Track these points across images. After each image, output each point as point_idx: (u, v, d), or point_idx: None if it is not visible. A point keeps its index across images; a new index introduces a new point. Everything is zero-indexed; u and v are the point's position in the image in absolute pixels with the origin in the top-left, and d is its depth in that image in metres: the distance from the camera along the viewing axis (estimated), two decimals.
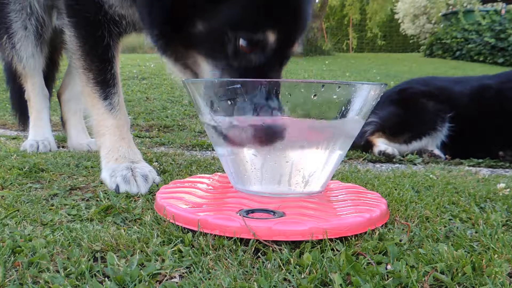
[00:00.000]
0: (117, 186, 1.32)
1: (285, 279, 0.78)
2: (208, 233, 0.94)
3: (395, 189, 1.42)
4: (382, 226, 1.03)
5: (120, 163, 1.41)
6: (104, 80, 1.44)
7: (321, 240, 0.91)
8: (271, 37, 1.06)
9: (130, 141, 1.48)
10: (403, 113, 2.63)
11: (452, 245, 0.92)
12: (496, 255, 0.87)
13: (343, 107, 1.08)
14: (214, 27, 1.09)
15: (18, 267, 0.80)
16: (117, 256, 0.85)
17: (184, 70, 1.28)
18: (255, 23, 1.07)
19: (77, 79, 1.52)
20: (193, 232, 0.96)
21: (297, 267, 0.82)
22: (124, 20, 1.42)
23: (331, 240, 0.92)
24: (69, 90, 2.35)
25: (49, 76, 2.34)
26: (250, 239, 0.91)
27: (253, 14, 1.08)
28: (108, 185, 1.37)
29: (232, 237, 0.91)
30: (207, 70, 1.19)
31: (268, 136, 1.05)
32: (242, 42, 1.08)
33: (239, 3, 1.07)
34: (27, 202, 1.19)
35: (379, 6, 15.44)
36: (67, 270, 0.79)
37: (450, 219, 1.13)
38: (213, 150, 2.46)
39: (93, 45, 1.43)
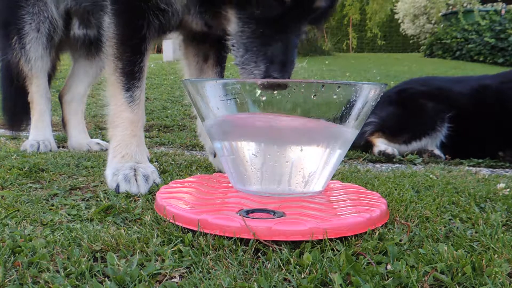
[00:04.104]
0: (118, 186, 1.33)
1: (285, 279, 0.78)
2: (208, 233, 0.94)
3: (395, 189, 1.42)
4: (382, 226, 1.03)
5: (126, 161, 1.42)
6: (131, 71, 1.46)
7: (321, 240, 0.91)
8: None
9: (140, 139, 1.49)
10: (403, 113, 2.63)
11: (452, 245, 0.92)
12: (496, 255, 0.87)
13: (343, 107, 1.08)
14: None
15: (18, 267, 0.80)
16: (117, 256, 0.85)
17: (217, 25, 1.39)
18: None
19: (105, 67, 1.53)
20: (193, 232, 0.96)
21: (297, 267, 0.82)
22: (170, 8, 1.44)
23: (331, 240, 0.92)
24: (72, 92, 2.36)
25: (50, 78, 2.35)
26: (250, 239, 0.91)
27: None
28: (109, 184, 1.37)
29: (232, 237, 0.91)
30: (235, 21, 1.27)
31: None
32: None
33: None
34: (27, 202, 1.19)
35: (379, 6, 15.42)
36: (67, 270, 0.79)
37: (450, 219, 1.13)
38: None
39: (129, 34, 1.45)
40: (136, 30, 1.44)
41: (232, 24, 1.28)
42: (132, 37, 1.45)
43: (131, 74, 1.46)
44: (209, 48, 1.73)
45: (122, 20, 1.46)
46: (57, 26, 2.09)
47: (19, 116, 2.37)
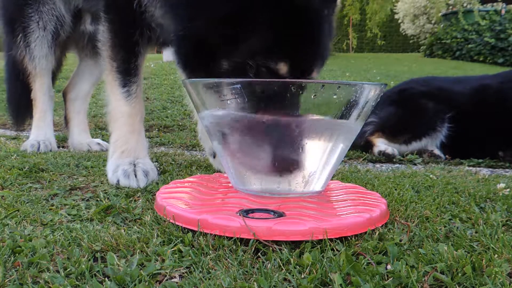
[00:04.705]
0: (118, 181, 1.40)
1: (285, 279, 0.78)
2: (208, 233, 0.94)
3: (395, 189, 1.42)
4: (382, 226, 1.03)
5: (125, 156, 1.47)
6: (127, 69, 1.52)
7: (321, 240, 0.91)
8: (283, 66, 1.15)
9: (140, 133, 1.54)
10: (403, 113, 2.63)
11: (452, 245, 0.92)
12: (496, 255, 0.87)
13: (343, 107, 1.08)
14: (236, 62, 1.19)
15: (18, 267, 0.80)
16: (117, 256, 0.85)
17: None
18: (270, 53, 1.16)
19: (103, 68, 1.59)
20: (193, 232, 0.96)
21: (297, 267, 0.82)
22: (160, 28, 1.49)
23: (331, 240, 0.92)
24: (76, 90, 2.36)
25: (54, 76, 2.35)
26: (250, 239, 0.91)
27: (269, 45, 1.16)
28: (109, 179, 1.43)
29: (232, 237, 0.91)
30: None
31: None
32: (257, 68, 1.17)
33: (257, 38, 1.16)
34: (27, 202, 1.19)
35: (379, 6, 15.42)
36: (67, 270, 0.79)
37: (450, 219, 1.13)
38: None
39: (122, 39, 1.52)
40: (128, 36, 1.50)
41: None
42: (125, 41, 1.51)
43: (126, 71, 1.52)
44: None
45: (115, 27, 1.52)
46: (64, 22, 2.09)
47: (24, 110, 2.37)
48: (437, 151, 2.53)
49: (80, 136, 2.34)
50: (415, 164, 2.32)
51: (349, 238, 0.94)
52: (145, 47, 1.55)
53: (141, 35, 1.50)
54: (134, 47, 1.51)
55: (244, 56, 1.16)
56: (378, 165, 2.26)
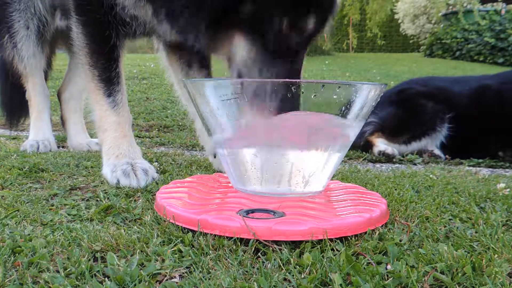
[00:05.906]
0: (118, 181, 1.39)
1: (285, 279, 0.78)
2: (208, 233, 0.94)
3: (395, 189, 1.42)
4: (382, 226, 1.03)
5: (121, 158, 1.46)
6: (109, 78, 1.49)
7: (321, 240, 0.91)
8: (311, 22, 1.10)
9: (131, 138, 1.54)
10: (403, 114, 2.63)
11: (452, 245, 0.92)
12: (496, 255, 0.87)
13: (343, 107, 1.08)
14: (262, 8, 1.13)
15: (18, 267, 0.80)
16: (117, 256, 0.85)
17: (216, 50, 1.34)
18: (300, 8, 1.11)
19: (82, 75, 1.57)
20: (193, 232, 0.96)
21: (297, 267, 0.82)
22: (135, 22, 1.46)
23: (331, 240, 0.92)
24: (70, 89, 2.35)
25: (45, 75, 2.34)
26: (250, 239, 0.91)
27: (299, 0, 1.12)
28: (109, 181, 1.41)
29: (232, 237, 0.91)
30: (243, 47, 1.22)
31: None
32: (285, 24, 1.12)
33: None
34: (27, 202, 1.19)
35: (379, 6, 15.42)
36: (67, 270, 0.79)
37: (450, 219, 1.13)
38: None
39: (100, 43, 1.49)
40: (105, 40, 1.46)
41: (239, 49, 1.22)
42: (103, 47, 1.48)
43: (109, 80, 1.49)
44: (189, 54, 1.72)
45: (90, 30, 1.48)
46: (46, 22, 2.07)
47: (16, 110, 2.37)
48: (437, 151, 2.53)
49: (78, 136, 2.33)
50: (415, 164, 2.32)
51: (349, 238, 0.94)
52: (123, 48, 1.53)
53: (117, 36, 1.46)
54: (113, 51, 1.48)
55: (271, 4, 1.10)
56: (378, 165, 2.26)
